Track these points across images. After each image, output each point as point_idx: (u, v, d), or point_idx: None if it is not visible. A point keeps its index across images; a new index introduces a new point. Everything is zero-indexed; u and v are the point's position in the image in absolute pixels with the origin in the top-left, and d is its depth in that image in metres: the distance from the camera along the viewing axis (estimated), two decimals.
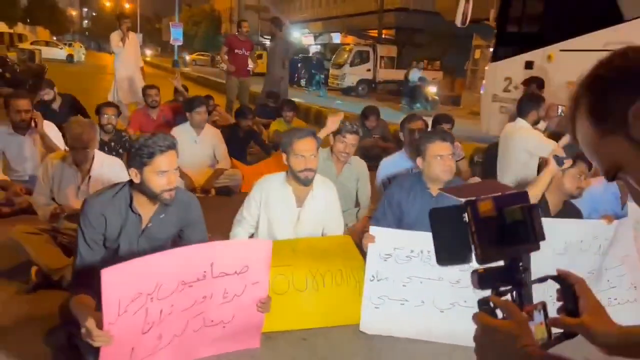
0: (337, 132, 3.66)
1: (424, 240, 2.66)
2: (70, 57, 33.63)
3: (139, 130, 5.89)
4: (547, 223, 0.94)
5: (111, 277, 1.88)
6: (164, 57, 48.63)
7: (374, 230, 2.71)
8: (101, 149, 4.81)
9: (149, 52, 62.27)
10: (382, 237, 2.69)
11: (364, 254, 2.77)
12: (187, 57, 39.02)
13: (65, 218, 3.11)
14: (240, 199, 5.09)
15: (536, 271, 0.97)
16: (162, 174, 2.24)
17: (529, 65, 6.81)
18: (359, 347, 2.49)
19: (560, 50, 6.42)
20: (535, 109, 4.14)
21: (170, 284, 2.07)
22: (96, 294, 2.23)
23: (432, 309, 2.65)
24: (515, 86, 6.81)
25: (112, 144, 4.90)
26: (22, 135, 4.25)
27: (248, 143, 6.06)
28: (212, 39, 55.67)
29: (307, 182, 2.84)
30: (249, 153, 6.17)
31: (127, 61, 7.90)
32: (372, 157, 6.67)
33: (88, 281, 2.27)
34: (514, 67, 6.99)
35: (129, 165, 2.28)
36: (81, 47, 40.83)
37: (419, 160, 2.99)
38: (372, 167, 6.64)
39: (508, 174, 4.17)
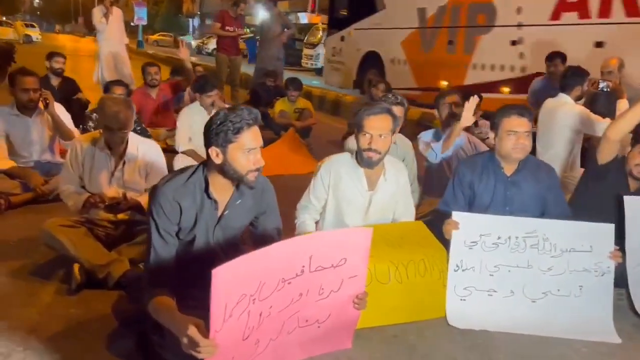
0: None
1: (512, 226, 2.49)
2: (28, 38, 31.94)
3: (138, 111, 5.49)
4: None
5: (222, 278, 1.61)
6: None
7: (457, 216, 2.50)
8: None
9: None
10: (466, 224, 2.49)
11: (443, 242, 2.57)
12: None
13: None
14: None
15: None
16: (249, 151, 1.96)
17: (342, 38, 10.98)
18: (456, 343, 2.29)
19: (355, 29, 10.49)
20: (580, 84, 4.00)
21: (272, 283, 1.82)
22: (176, 294, 1.97)
23: (522, 299, 2.48)
24: (339, 52, 11.13)
25: None
26: (28, 117, 3.82)
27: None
28: (173, 19, 54.06)
29: (369, 164, 2.59)
30: None
31: (111, 38, 7.45)
32: None
33: (164, 279, 2.00)
34: (335, 40, 11.28)
35: (207, 144, 1.99)
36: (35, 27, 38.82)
37: (491, 135, 2.79)
38: None
39: (550, 151, 4.03)
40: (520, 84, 6.73)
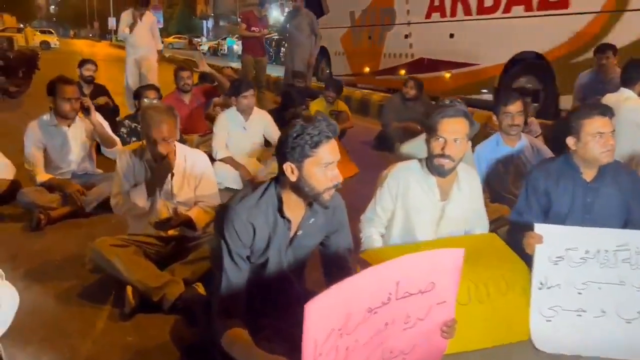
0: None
1: (601, 238, 2.27)
2: (45, 44, 32.22)
3: None
4: None
5: (315, 313, 1.43)
6: None
7: (540, 228, 2.29)
8: (140, 137, 4.32)
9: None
10: (551, 237, 2.27)
11: (522, 256, 2.36)
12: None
13: (156, 226, 2.60)
14: None
15: None
16: (327, 166, 1.78)
17: None
18: None
19: None
20: None
21: (359, 314, 1.63)
22: (251, 326, 1.79)
23: (616, 319, 2.25)
24: None
25: None
26: (66, 127, 3.69)
27: None
28: (187, 21, 54.25)
29: (441, 172, 2.37)
30: None
31: (137, 45, 7.07)
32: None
33: (237, 308, 1.83)
34: None
35: (282, 160, 1.81)
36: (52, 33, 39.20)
37: (570, 140, 2.56)
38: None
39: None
40: (411, 66, 9.41)
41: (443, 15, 8.55)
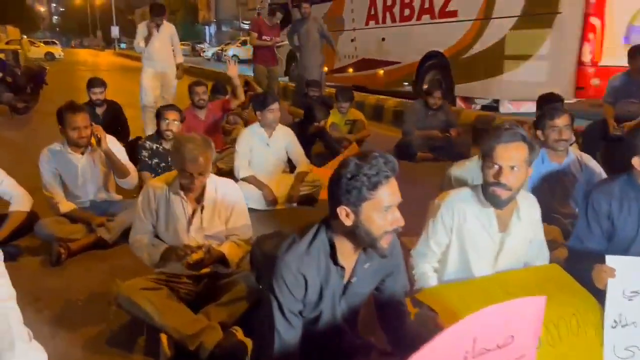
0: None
1: None
2: (50, 55, 32.22)
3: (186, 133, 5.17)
4: None
5: None
6: None
7: (613, 261, 2.07)
8: (163, 158, 4.14)
9: (123, 45, 60.69)
10: (624, 270, 2.06)
11: (590, 289, 2.16)
12: None
13: (188, 266, 2.42)
14: (325, 209, 4.51)
15: None
16: (387, 209, 1.59)
17: None
18: None
19: (283, 34, 9.32)
20: None
21: None
22: None
23: None
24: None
25: None
26: (80, 155, 3.51)
27: (314, 142, 5.36)
28: (189, 28, 54.20)
29: (496, 202, 2.15)
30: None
31: (154, 59, 6.63)
32: (436, 149, 6.09)
33: None
34: None
35: (335, 203, 1.62)
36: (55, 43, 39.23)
37: (636, 161, 2.36)
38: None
39: None
40: (356, 65, 10.96)
41: (377, 22, 10.29)
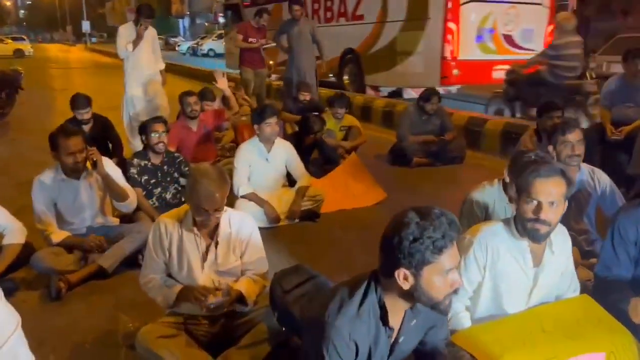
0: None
1: None
2: (19, 53, 31.25)
3: (179, 147, 5.01)
4: None
5: None
6: (111, 43, 46.07)
7: None
8: (153, 174, 3.99)
9: (94, 39, 59.22)
10: None
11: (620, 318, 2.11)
12: None
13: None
14: (327, 223, 4.53)
15: None
16: (448, 273, 1.50)
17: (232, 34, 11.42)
18: None
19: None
20: None
21: None
22: None
23: None
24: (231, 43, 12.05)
25: (165, 167, 4.06)
26: (76, 180, 3.33)
27: (311, 153, 5.24)
28: (163, 21, 53.19)
29: (536, 238, 2.07)
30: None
31: (142, 65, 6.03)
32: (431, 153, 6.03)
33: None
34: (231, 34, 12.17)
35: (392, 265, 1.52)
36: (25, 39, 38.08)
37: None
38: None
39: None
40: None
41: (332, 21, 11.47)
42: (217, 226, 2.44)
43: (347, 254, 3.67)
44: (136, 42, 5.86)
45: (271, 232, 4.07)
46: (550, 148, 3.19)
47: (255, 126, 4.19)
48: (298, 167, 4.37)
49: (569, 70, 6.45)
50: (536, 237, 2.08)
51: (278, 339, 2.26)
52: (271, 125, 4.12)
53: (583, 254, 3.10)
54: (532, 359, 1.95)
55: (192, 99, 5.07)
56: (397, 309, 1.60)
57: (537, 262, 2.16)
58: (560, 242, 2.20)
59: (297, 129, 5.88)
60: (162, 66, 6.33)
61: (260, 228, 3.96)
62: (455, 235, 1.49)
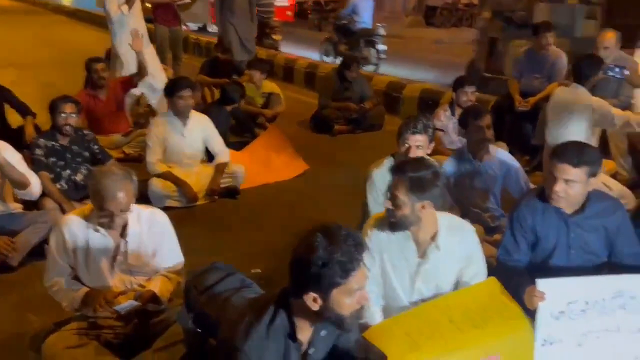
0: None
1: (599, 287, 2.23)
2: None
3: (87, 118, 4.72)
4: None
5: None
6: None
7: (543, 285, 2.18)
8: (61, 156, 3.75)
9: None
10: (553, 292, 2.18)
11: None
12: None
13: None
14: (248, 200, 4.44)
15: None
16: (356, 292, 1.53)
17: None
18: None
19: None
20: (596, 73, 3.73)
21: None
22: None
23: None
24: None
25: (74, 147, 3.82)
26: None
27: (229, 124, 5.09)
28: None
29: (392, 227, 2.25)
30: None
31: (132, 26, 5.26)
32: (352, 121, 6.06)
33: None
34: None
35: (301, 290, 1.53)
36: None
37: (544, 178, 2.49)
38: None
39: None
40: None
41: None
42: (126, 225, 2.34)
43: (268, 235, 3.66)
44: (130, 3, 5.30)
45: (189, 212, 3.99)
46: (463, 132, 3.33)
47: (168, 100, 4.00)
48: (217, 143, 4.25)
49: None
50: (392, 227, 2.22)
51: (194, 341, 2.24)
52: (184, 98, 3.95)
53: (488, 231, 3.29)
54: (441, 351, 2.07)
55: (99, 66, 4.75)
56: (306, 324, 1.63)
57: (421, 253, 2.28)
58: (454, 243, 2.31)
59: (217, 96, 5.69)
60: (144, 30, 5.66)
61: (177, 208, 3.98)
62: (362, 257, 1.51)
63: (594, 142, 3.84)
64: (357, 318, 1.61)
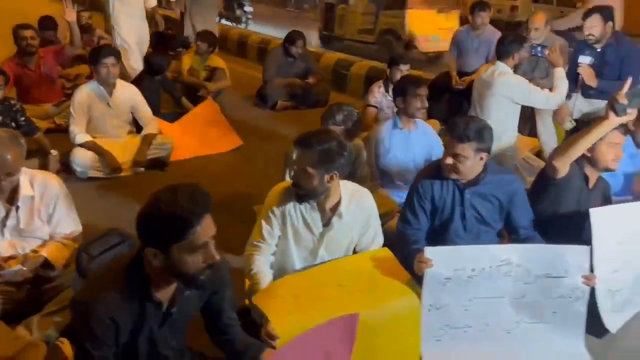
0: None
1: (486, 256, 2.29)
2: None
3: (15, 86, 4.59)
4: None
5: None
6: None
7: (430, 252, 2.24)
8: None
9: None
10: (440, 260, 2.24)
11: (410, 270, 2.33)
12: None
13: None
14: (176, 173, 4.37)
15: None
16: (199, 249, 1.53)
17: None
18: None
19: None
20: (517, 51, 3.79)
21: None
22: None
23: (497, 331, 2.34)
24: None
25: (0, 118, 3.71)
26: None
27: (161, 94, 4.98)
28: None
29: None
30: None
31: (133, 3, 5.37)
32: (296, 96, 6.03)
33: None
34: None
35: (143, 245, 1.53)
36: None
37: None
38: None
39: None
40: None
41: None
42: (17, 190, 2.29)
43: None
44: None
45: (113, 182, 3.93)
46: (399, 99, 3.35)
47: (93, 67, 3.91)
48: (145, 113, 4.18)
49: None
50: (300, 199, 2.26)
51: None
52: (107, 66, 3.86)
53: None
54: (323, 313, 2.10)
55: (27, 33, 4.60)
56: (164, 283, 1.63)
57: (325, 222, 2.31)
58: (355, 210, 2.35)
59: None
60: (154, 2, 5.69)
61: (101, 178, 3.92)
62: (201, 211, 1.50)
63: (513, 119, 3.92)
64: (212, 277, 1.61)
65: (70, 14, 4.40)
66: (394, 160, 3.37)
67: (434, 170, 2.62)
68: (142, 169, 4.08)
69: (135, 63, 5.38)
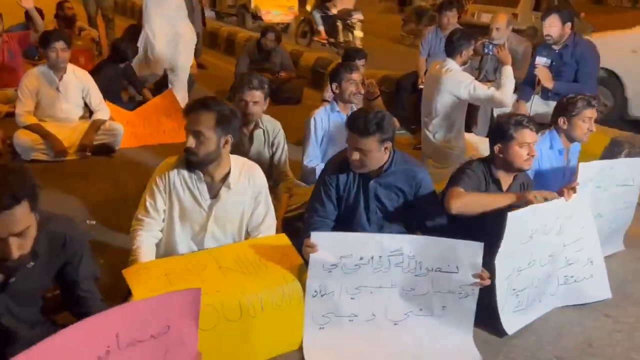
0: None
1: (376, 245, 2.25)
2: None
3: None
4: None
5: None
6: None
7: (316, 237, 2.21)
8: None
9: None
10: (326, 245, 2.20)
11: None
12: None
13: None
14: (123, 158, 4.39)
15: None
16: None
17: None
18: None
19: None
20: (466, 48, 3.75)
21: None
22: None
23: (384, 322, 2.29)
24: None
25: None
26: None
27: (123, 82, 5.01)
28: None
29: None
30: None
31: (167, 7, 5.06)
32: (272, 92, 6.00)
33: None
34: None
35: None
36: None
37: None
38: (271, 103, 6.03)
39: (434, 119, 3.84)
40: None
41: None
42: None
43: (119, 189, 3.62)
44: None
45: (56, 166, 3.95)
46: (334, 85, 3.35)
47: (42, 51, 3.94)
48: (95, 98, 4.20)
49: None
50: (191, 166, 2.30)
51: None
52: (56, 51, 3.89)
53: None
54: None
55: None
56: None
57: (213, 194, 2.30)
58: (245, 183, 2.37)
59: None
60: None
61: (45, 161, 3.94)
62: (16, 202, 1.47)
63: (460, 115, 3.87)
64: (63, 248, 1.65)
65: (28, 1, 4.45)
66: (338, 142, 3.36)
67: (341, 159, 2.59)
68: (89, 154, 4.09)
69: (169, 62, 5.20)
